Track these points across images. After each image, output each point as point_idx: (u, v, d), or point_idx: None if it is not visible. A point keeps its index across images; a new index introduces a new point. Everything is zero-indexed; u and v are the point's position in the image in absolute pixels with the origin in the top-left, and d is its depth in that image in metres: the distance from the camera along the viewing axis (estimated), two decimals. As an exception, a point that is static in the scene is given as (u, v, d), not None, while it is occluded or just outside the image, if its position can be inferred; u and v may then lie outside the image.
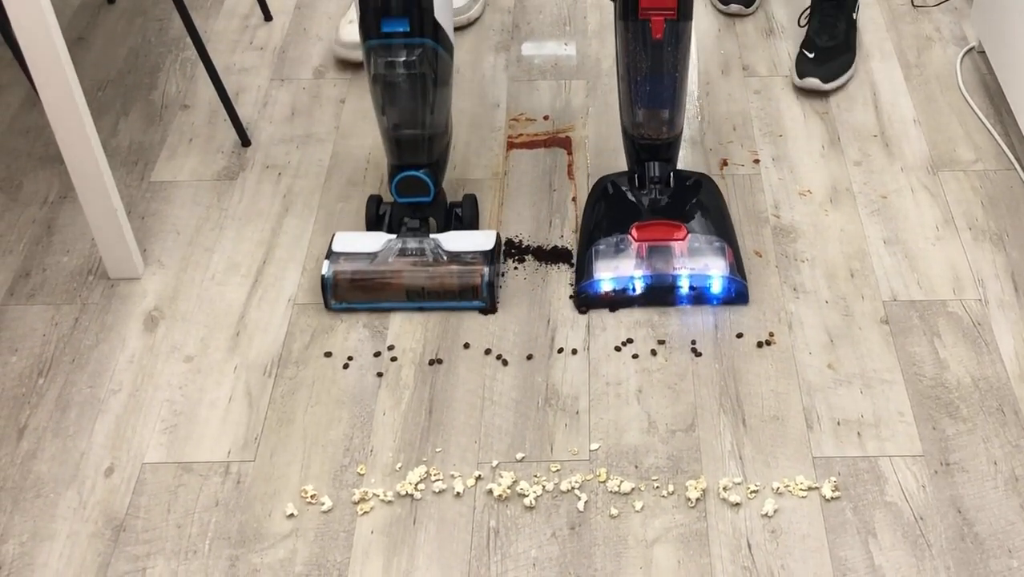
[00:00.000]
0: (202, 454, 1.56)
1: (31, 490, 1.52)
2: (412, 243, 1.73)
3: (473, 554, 1.43)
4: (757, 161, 1.99)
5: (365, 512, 1.47)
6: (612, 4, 1.68)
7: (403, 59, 1.62)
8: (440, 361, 1.67)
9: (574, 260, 1.80)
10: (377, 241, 1.75)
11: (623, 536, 1.44)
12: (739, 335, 1.68)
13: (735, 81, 2.17)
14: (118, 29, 2.40)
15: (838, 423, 1.56)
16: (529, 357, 1.67)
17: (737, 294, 1.71)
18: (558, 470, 1.52)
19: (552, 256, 1.83)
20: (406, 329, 1.71)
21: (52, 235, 1.92)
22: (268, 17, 2.40)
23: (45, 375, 1.68)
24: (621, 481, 1.49)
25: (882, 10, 2.33)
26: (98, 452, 1.57)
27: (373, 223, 1.81)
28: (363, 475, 1.52)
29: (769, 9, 2.36)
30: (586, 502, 1.47)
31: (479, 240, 1.75)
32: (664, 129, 1.74)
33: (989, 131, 2.02)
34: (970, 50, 2.20)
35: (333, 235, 1.77)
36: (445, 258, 1.72)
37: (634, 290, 1.71)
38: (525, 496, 1.48)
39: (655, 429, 1.56)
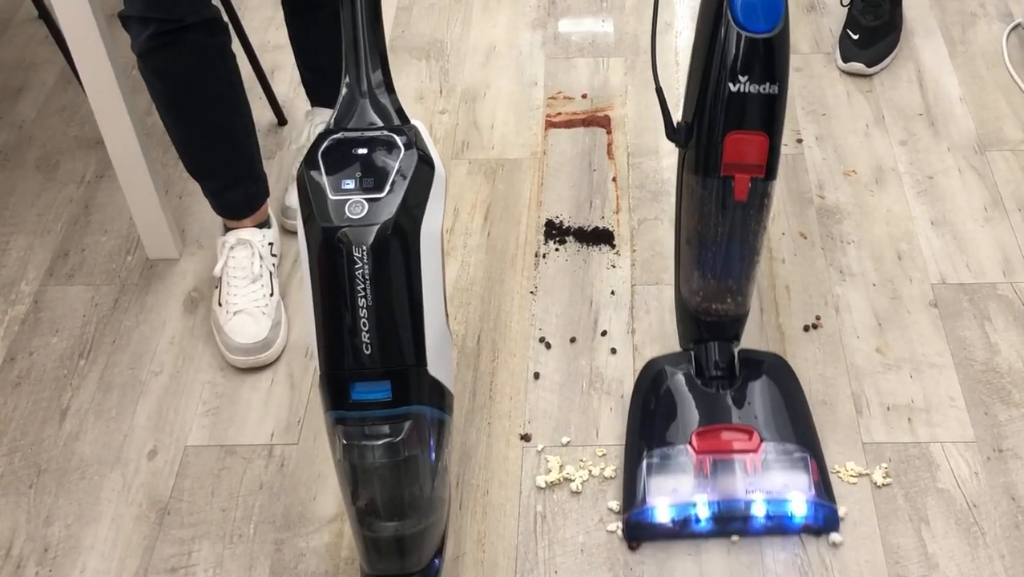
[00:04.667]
0: (245, 437, 1.55)
1: (75, 472, 1.52)
2: None
3: (520, 540, 1.42)
4: (800, 140, 1.96)
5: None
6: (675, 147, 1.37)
7: (384, 442, 1.16)
8: (482, 345, 1.65)
9: (623, 470, 1.46)
10: None
11: (671, 522, 1.42)
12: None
13: (776, 58, 2.13)
14: (151, 6, 2.39)
15: (888, 408, 1.54)
16: (572, 340, 1.65)
17: (826, 522, 1.39)
18: (604, 455, 1.50)
19: (593, 237, 1.81)
20: (448, 311, 1.69)
21: (90, 215, 1.91)
22: (301, -7, 2.38)
23: (86, 356, 1.67)
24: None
25: (926, -15, 2.29)
26: (141, 434, 1.56)
27: None
28: (407, 459, 1.51)
29: (810, -15, 2.32)
30: (633, 487, 1.46)
31: None
32: (732, 304, 1.42)
33: (1037, 110, 1.98)
34: (1016, 26, 2.16)
35: None
36: None
37: (697, 520, 1.37)
38: (572, 481, 1.47)
39: (702, 413, 1.54)
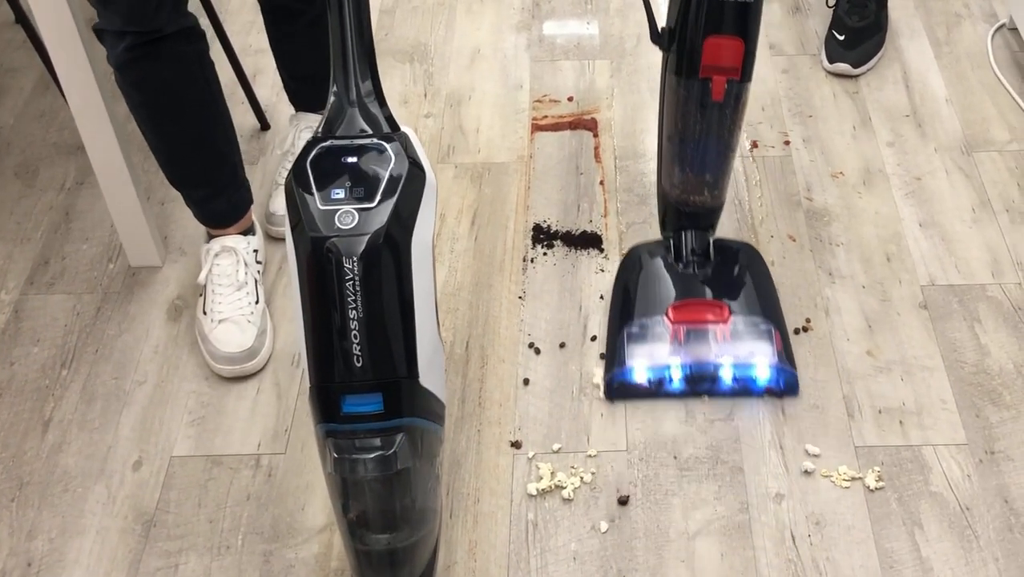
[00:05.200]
0: (231, 447, 1.53)
1: (58, 484, 1.50)
2: None
3: (512, 548, 1.40)
4: (788, 143, 1.95)
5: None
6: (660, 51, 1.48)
7: (376, 455, 1.14)
8: (470, 351, 1.64)
9: (605, 341, 1.61)
10: None
11: (664, 529, 1.41)
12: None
13: (762, 60, 2.13)
14: (130, 10, 2.36)
15: (879, 411, 1.53)
16: (562, 345, 1.64)
17: (786, 385, 1.53)
18: (595, 456, 1.49)
19: (581, 241, 1.79)
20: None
21: (70, 222, 1.88)
22: (283, -3, 2.35)
23: (69, 366, 1.65)
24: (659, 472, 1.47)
25: (910, -14, 2.29)
26: (125, 445, 1.54)
27: None
28: (396, 467, 1.49)
29: (794, -14, 2.32)
30: (626, 494, 1.44)
31: None
32: (708, 196, 1.56)
33: (1023, 110, 1.98)
34: (1001, 27, 2.16)
35: None
36: None
37: (671, 381, 1.53)
38: (563, 488, 1.45)
39: (693, 419, 1.53)
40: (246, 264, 1.66)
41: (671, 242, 1.63)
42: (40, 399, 1.60)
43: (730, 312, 1.55)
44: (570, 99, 2.08)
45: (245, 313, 1.63)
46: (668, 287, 1.60)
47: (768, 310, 1.58)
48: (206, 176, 1.63)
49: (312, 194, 1.11)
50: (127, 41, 1.44)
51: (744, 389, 1.53)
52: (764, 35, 2.19)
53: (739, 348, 1.52)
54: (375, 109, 1.20)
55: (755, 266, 1.65)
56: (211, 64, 1.55)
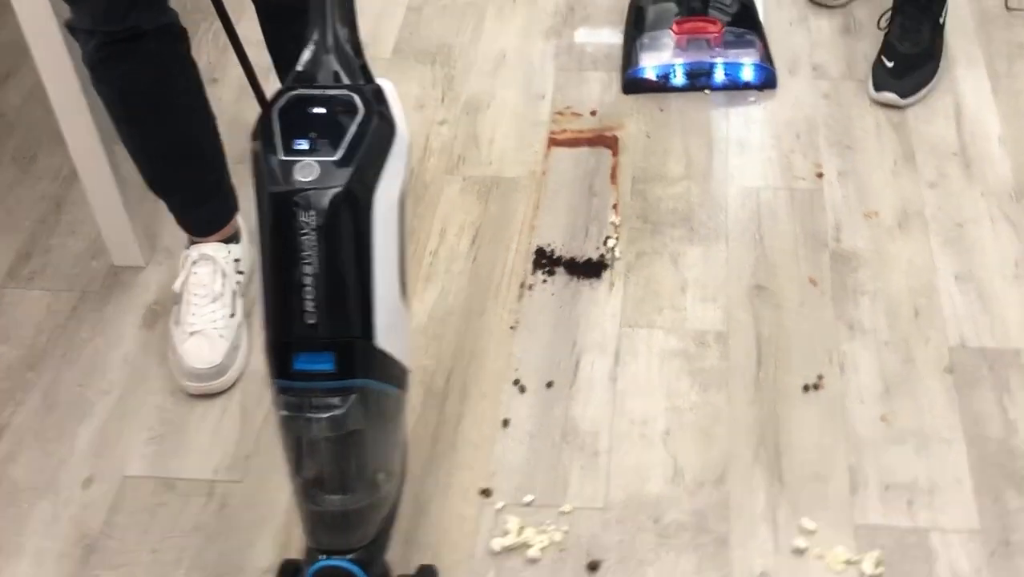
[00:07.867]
0: (187, 470, 1.45)
1: (3, 498, 1.43)
2: None
3: (466, 609, 1.30)
4: (820, 175, 1.81)
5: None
6: None
7: (327, 415, 1.09)
8: (451, 384, 1.53)
9: (622, 52, 2.01)
10: None
11: (634, 600, 1.30)
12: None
13: (803, 82, 1.98)
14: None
15: (887, 487, 1.39)
16: (549, 385, 1.52)
17: (767, 79, 1.93)
18: (569, 512, 1.38)
19: (585, 270, 1.68)
20: (418, 343, 1.57)
21: (60, 213, 1.82)
22: (308, -14, 2.26)
23: (35, 368, 1.58)
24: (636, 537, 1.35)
25: (972, 11, 2.11)
26: (79, 460, 1.47)
27: None
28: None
29: (851, 5, 2.15)
30: (597, 559, 1.33)
31: None
32: None
33: (1084, 155, 1.81)
34: (1069, 61, 1.99)
35: None
36: None
37: (674, 75, 1.92)
38: (530, 547, 1.34)
39: (681, 479, 1.41)
40: (224, 274, 1.58)
41: None
42: (0, 403, 1.54)
43: (722, 25, 1.93)
44: (593, 113, 1.95)
45: (218, 327, 1.54)
46: (672, 8, 2.00)
47: (752, 24, 1.98)
48: (186, 184, 1.54)
49: (274, 145, 1.06)
50: (97, 39, 1.36)
51: (732, 83, 1.93)
52: (808, 55, 2.04)
53: (729, 53, 1.92)
54: (350, 58, 1.13)
55: None
56: (193, 65, 1.46)
